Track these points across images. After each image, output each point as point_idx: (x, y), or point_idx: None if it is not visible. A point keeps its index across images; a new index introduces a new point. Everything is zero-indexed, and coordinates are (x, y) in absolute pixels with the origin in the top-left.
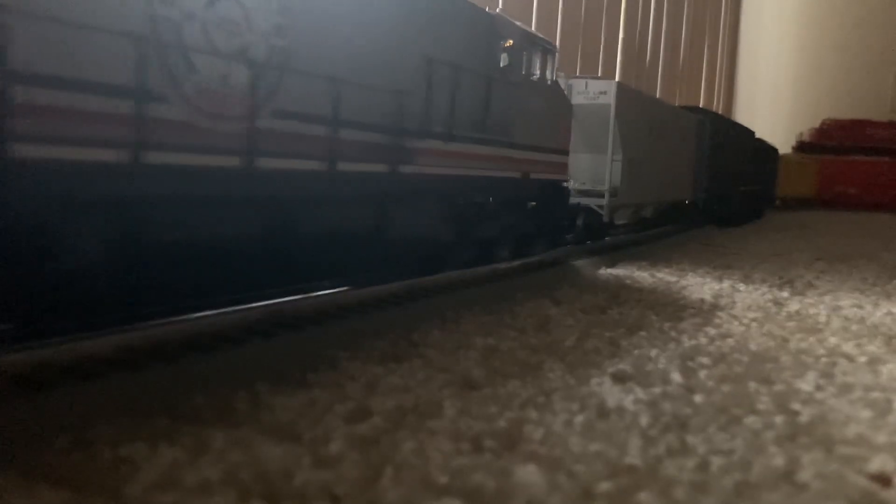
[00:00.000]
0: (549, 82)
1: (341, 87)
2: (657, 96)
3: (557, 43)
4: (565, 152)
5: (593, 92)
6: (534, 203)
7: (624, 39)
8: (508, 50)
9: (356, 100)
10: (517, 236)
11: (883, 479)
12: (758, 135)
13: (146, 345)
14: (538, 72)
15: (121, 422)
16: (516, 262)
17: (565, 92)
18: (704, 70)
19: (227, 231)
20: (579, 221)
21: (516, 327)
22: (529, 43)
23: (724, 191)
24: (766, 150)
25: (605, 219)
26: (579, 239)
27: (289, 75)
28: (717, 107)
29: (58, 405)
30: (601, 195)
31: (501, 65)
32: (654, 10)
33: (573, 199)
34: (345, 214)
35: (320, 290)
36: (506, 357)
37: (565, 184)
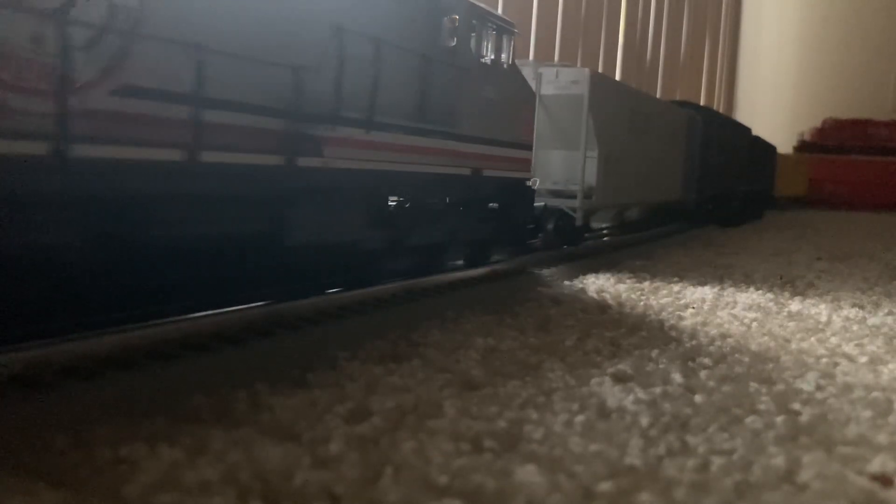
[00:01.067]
0: (505, 67)
1: (213, 58)
2: (657, 95)
3: (557, 42)
4: (528, 147)
5: (565, 81)
6: (492, 204)
7: (624, 39)
8: (453, 27)
9: (235, 75)
10: (471, 242)
11: (884, 480)
12: (758, 134)
13: (145, 344)
14: (492, 54)
15: (120, 422)
16: (474, 272)
17: (533, 81)
18: (705, 69)
19: (35, 239)
20: (550, 225)
21: (516, 327)
22: (480, 20)
23: (717, 191)
24: (763, 148)
25: (579, 222)
26: (550, 244)
27: (140, 42)
28: (718, 106)
29: (57, 405)
30: (574, 196)
31: (444, 44)
32: (655, 9)
33: (544, 200)
34: (213, 217)
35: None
36: (505, 357)
37: (529, 182)
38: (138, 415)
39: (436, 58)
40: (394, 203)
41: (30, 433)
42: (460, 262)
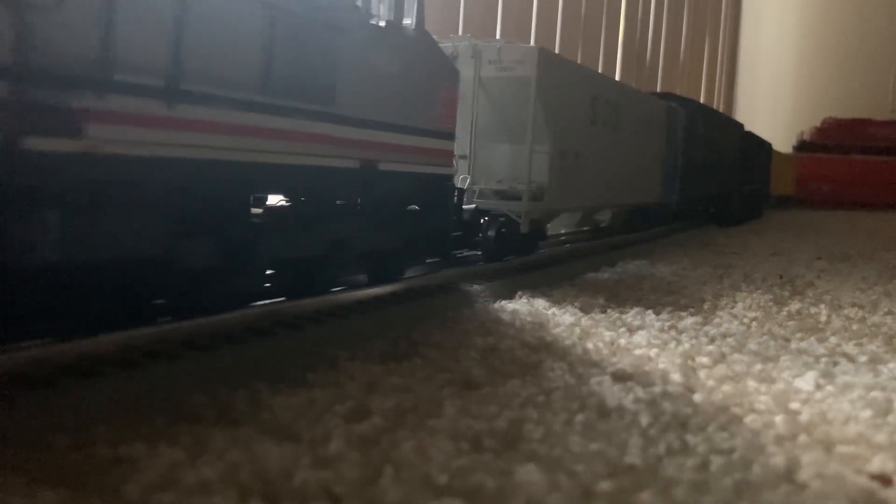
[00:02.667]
0: (410, 33)
1: None
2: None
3: (557, 41)
4: (447, 135)
5: (509, 60)
6: (409, 206)
7: (624, 38)
8: None
9: None
10: (371, 254)
11: (883, 479)
12: (759, 133)
13: (146, 344)
14: (388, 14)
15: (120, 421)
16: (377, 290)
17: (472, 60)
18: (705, 69)
19: None
20: (491, 232)
21: (516, 326)
22: None
23: (703, 191)
24: (757, 145)
25: (525, 228)
26: (490, 255)
27: None
28: (718, 105)
29: (57, 404)
30: (518, 197)
31: None
32: (655, 8)
33: (482, 203)
34: None
35: None
36: (505, 356)
37: (457, 181)
38: (138, 414)
39: (295, 11)
40: (220, 205)
41: (30, 433)
42: (364, 279)
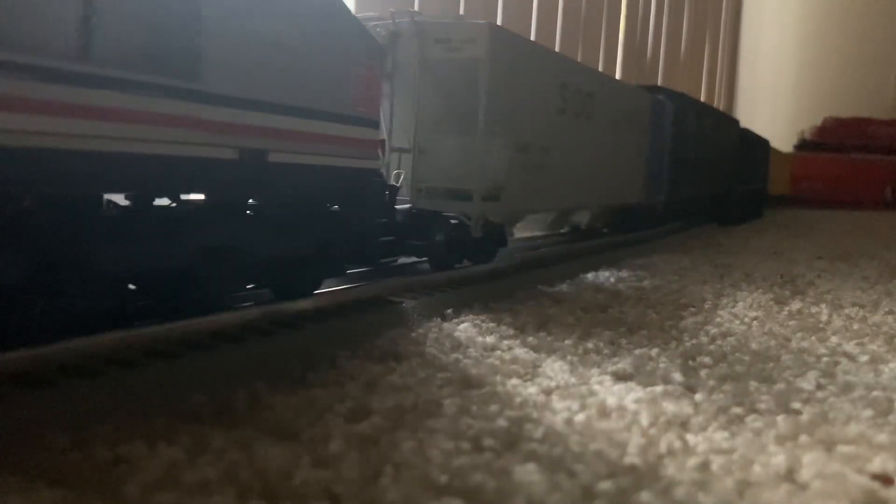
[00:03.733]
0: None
1: None
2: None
3: (557, 40)
4: (369, 123)
5: (457, 40)
6: (329, 205)
7: (624, 37)
8: None
9: None
10: (265, 265)
11: (884, 479)
12: (760, 133)
13: (145, 343)
14: None
15: (119, 421)
16: (285, 307)
17: (415, 38)
18: (705, 68)
19: None
20: (439, 236)
21: (516, 325)
22: None
23: (695, 191)
24: (753, 143)
25: (477, 232)
26: (439, 262)
27: None
28: (719, 104)
29: (56, 404)
30: (468, 197)
31: None
32: (655, 8)
33: (433, 203)
34: None
35: None
36: (505, 356)
37: (377, 175)
38: (138, 414)
39: None
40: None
41: (29, 432)
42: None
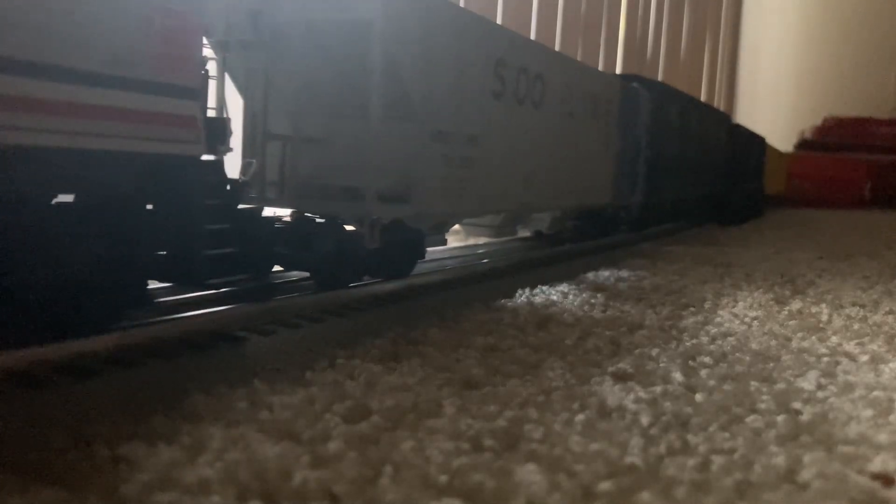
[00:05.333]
0: None
1: None
2: None
3: (557, 39)
4: (181, 92)
5: None
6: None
7: (625, 36)
8: None
9: None
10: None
11: (885, 479)
12: (760, 132)
13: (144, 342)
14: None
15: (118, 420)
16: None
17: None
18: (705, 67)
19: None
20: (325, 247)
21: (516, 325)
22: None
23: (677, 192)
24: (747, 140)
25: (373, 241)
26: (324, 280)
27: None
28: (719, 104)
29: (55, 403)
30: (360, 197)
31: None
32: (655, 7)
33: (313, 204)
34: None
35: None
36: (505, 356)
37: (196, 165)
38: (137, 413)
39: None
40: None
41: (28, 431)
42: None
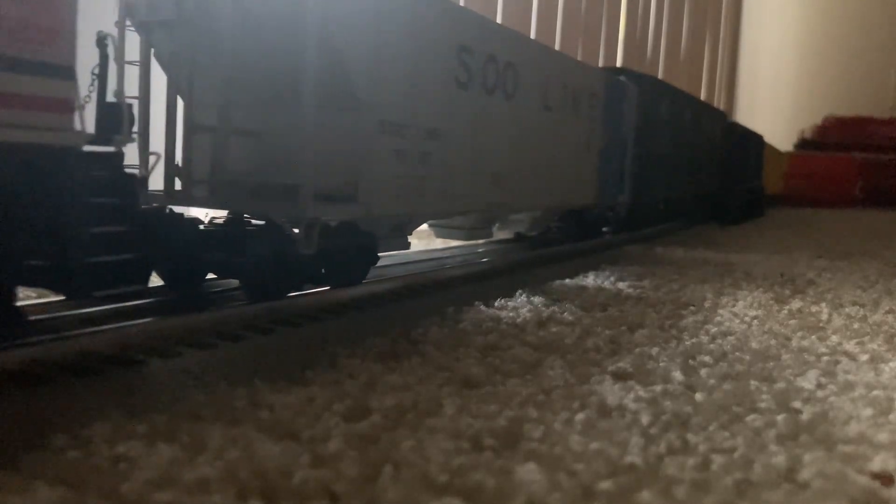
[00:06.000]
0: None
1: None
2: None
3: (557, 38)
4: (49, 70)
5: None
6: None
7: (625, 36)
8: None
9: None
10: None
11: (884, 478)
12: (762, 133)
13: (144, 341)
14: None
15: (118, 419)
16: None
17: None
18: (705, 67)
19: None
20: (257, 252)
21: (516, 324)
22: None
23: (669, 191)
24: (744, 138)
25: (309, 248)
26: (256, 290)
27: None
28: (718, 103)
29: (55, 402)
30: (295, 196)
31: None
32: (655, 6)
33: (246, 206)
34: None
35: None
36: (505, 355)
37: (69, 156)
38: (137, 412)
39: None
40: None
41: (28, 430)
42: None
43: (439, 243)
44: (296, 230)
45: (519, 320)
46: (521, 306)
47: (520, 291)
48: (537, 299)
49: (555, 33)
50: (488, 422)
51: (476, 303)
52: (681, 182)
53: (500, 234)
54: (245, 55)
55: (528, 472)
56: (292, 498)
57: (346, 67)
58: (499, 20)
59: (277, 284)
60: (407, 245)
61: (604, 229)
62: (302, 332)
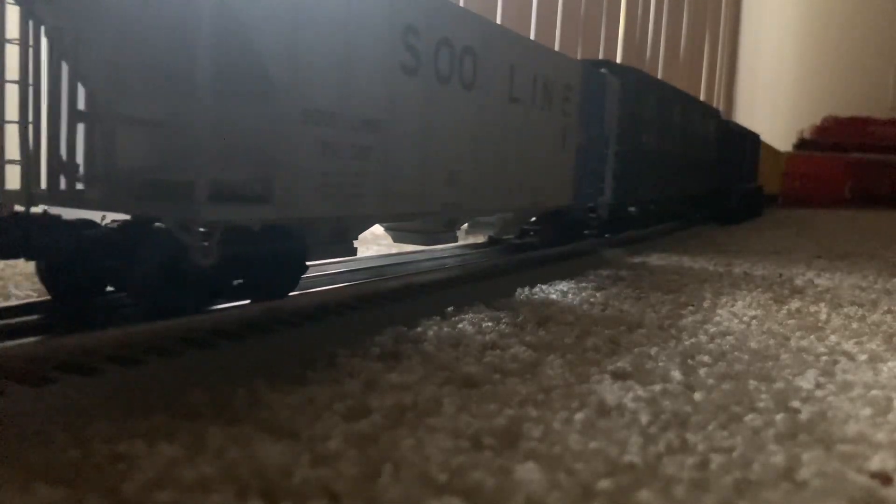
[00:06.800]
0: None
1: None
2: None
3: (557, 37)
4: None
5: None
6: None
7: (624, 35)
8: None
9: None
10: None
11: (883, 477)
12: (761, 133)
13: (144, 340)
14: None
15: (118, 418)
16: None
17: None
18: (705, 67)
19: None
20: (148, 262)
21: (516, 324)
22: None
23: (653, 192)
24: (739, 137)
25: (205, 257)
26: (151, 304)
27: None
28: (717, 103)
29: (56, 401)
30: (187, 194)
31: None
32: (655, 6)
33: (131, 206)
34: None
35: None
36: (505, 354)
37: None
38: (137, 411)
39: None
40: None
41: (29, 429)
42: None
43: (394, 248)
44: (190, 235)
45: (519, 319)
46: (520, 305)
47: (519, 290)
48: (537, 298)
49: (554, 33)
50: (488, 421)
51: (475, 301)
52: (671, 182)
53: (473, 238)
54: (135, 28)
55: (528, 471)
56: (292, 497)
57: (255, 45)
58: (498, 20)
59: (169, 299)
60: (352, 251)
61: (585, 232)
62: (302, 332)
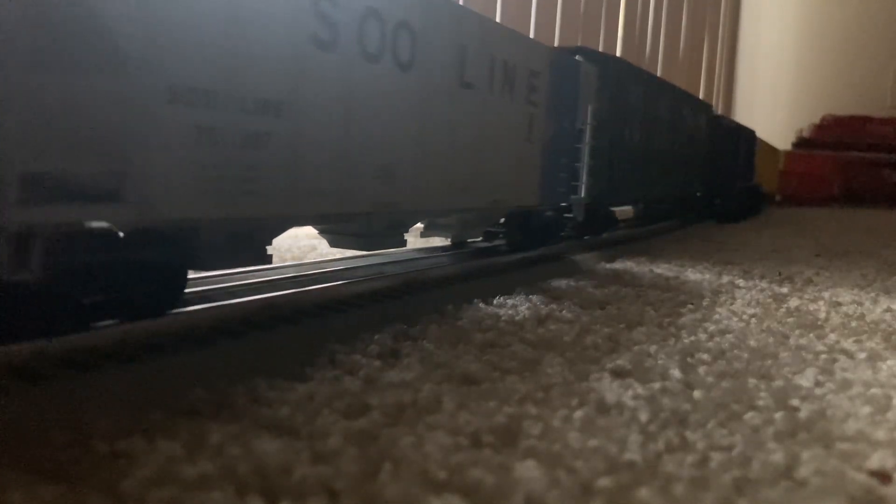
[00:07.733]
0: None
1: None
2: None
3: (557, 37)
4: None
5: None
6: None
7: (624, 34)
8: None
9: None
10: None
11: (882, 476)
12: (761, 132)
13: (144, 338)
14: None
15: (118, 415)
16: None
17: None
18: (704, 66)
19: None
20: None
21: (515, 322)
22: None
23: (637, 190)
24: (733, 133)
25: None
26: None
27: None
28: (717, 103)
29: (55, 398)
30: (81, 196)
31: None
32: (654, 5)
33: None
34: None
35: None
36: (504, 352)
37: None
38: (136, 408)
39: None
40: None
41: (27, 427)
42: None
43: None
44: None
45: (518, 317)
46: (519, 303)
47: (519, 289)
48: (536, 297)
49: (554, 31)
50: (487, 419)
51: (475, 299)
52: (659, 180)
53: (440, 241)
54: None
55: (527, 469)
56: (292, 495)
57: (93, 5)
58: (498, 18)
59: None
60: (265, 259)
61: (561, 234)
62: (301, 329)
